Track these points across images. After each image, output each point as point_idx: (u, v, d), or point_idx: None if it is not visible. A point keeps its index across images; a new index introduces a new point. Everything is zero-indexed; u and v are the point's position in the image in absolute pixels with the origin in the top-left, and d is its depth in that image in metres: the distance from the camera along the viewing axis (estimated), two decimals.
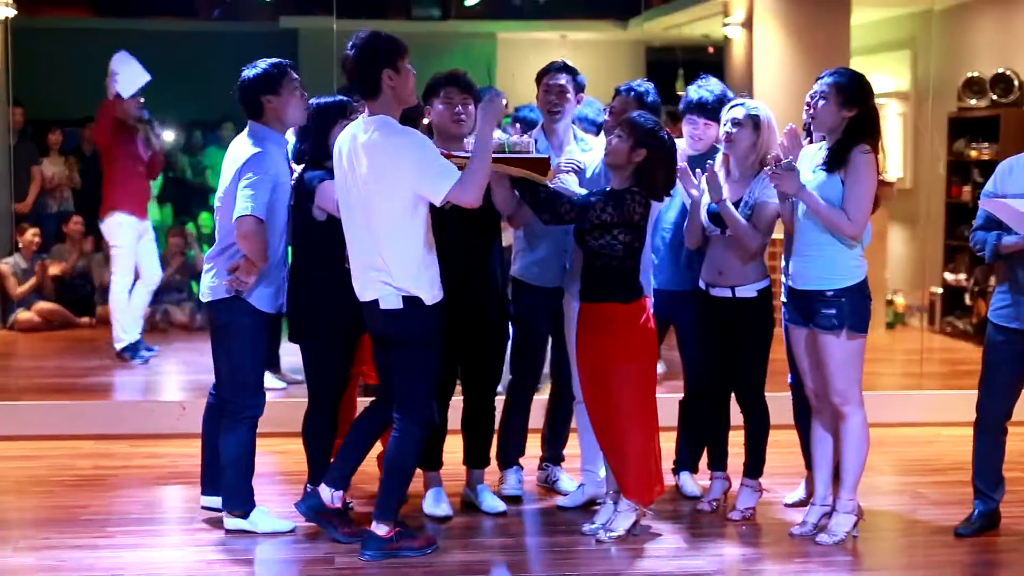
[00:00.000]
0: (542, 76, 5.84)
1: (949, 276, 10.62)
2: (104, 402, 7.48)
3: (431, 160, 4.84)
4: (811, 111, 5.23)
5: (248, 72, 5.23)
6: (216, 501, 5.46)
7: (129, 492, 6.00)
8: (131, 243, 8.83)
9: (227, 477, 5.31)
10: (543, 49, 13.99)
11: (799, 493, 5.86)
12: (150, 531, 5.43)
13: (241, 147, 5.20)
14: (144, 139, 8.84)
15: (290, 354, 6.56)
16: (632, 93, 5.73)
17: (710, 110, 5.72)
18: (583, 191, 5.37)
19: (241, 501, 5.32)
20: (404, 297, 4.90)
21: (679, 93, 12.93)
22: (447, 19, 14.25)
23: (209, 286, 5.24)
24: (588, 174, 5.65)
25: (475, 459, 5.73)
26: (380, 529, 5.02)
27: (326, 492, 5.14)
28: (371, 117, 4.94)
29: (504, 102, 5.04)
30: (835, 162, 5.12)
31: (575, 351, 5.42)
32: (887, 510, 5.85)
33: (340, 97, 5.49)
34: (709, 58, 13.61)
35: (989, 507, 5.45)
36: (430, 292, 4.96)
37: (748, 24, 10.66)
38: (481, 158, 4.86)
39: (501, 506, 5.66)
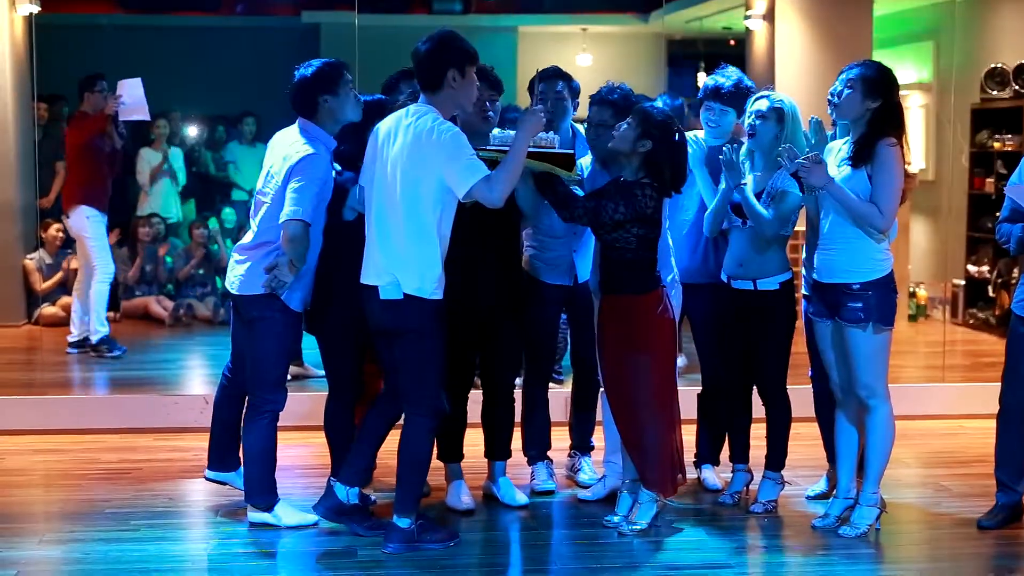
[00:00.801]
0: (535, 84, 5.84)
1: (972, 268, 10.57)
2: (128, 396, 7.52)
3: (464, 153, 4.88)
4: (836, 100, 5.22)
5: (304, 71, 5.25)
6: (221, 476, 5.58)
7: (154, 485, 6.03)
8: (102, 235, 8.91)
9: (249, 471, 5.35)
10: (564, 42, 14.01)
11: (821, 486, 5.86)
12: (175, 524, 5.47)
13: (293, 144, 5.19)
14: (108, 136, 8.88)
15: (311, 346, 6.57)
16: (604, 103, 5.58)
17: (725, 96, 5.72)
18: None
19: (265, 494, 5.35)
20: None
21: (700, 86, 12.96)
22: (468, 13, 14.26)
23: (240, 278, 5.25)
24: (585, 173, 5.66)
25: (496, 451, 5.74)
26: (402, 522, 5.04)
27: (341, 490, 5.16)
28: (424, 104, 4.98)
29: (544, 117, 5.10)
30: (860, 156, 5.12)
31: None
32: (910, 502, 5.85)
33: (379, 96, 5.52)
34: (731, 51, 13.58)
35: (1012, 499, 5.44)
36: (430, 289, 4.94)
37: (770, 16, 10.63)
38: (513, 162, 4.90)
39: (523, 499, 5.67)
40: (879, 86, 5.14)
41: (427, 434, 5.05)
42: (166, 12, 14.16)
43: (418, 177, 4.88)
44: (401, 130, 4.95)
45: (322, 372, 5.64)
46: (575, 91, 5.92)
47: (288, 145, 5.21)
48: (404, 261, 4.91)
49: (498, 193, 4.87)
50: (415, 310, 4.92)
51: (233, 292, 5.31)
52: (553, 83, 5.84)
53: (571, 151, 5.32)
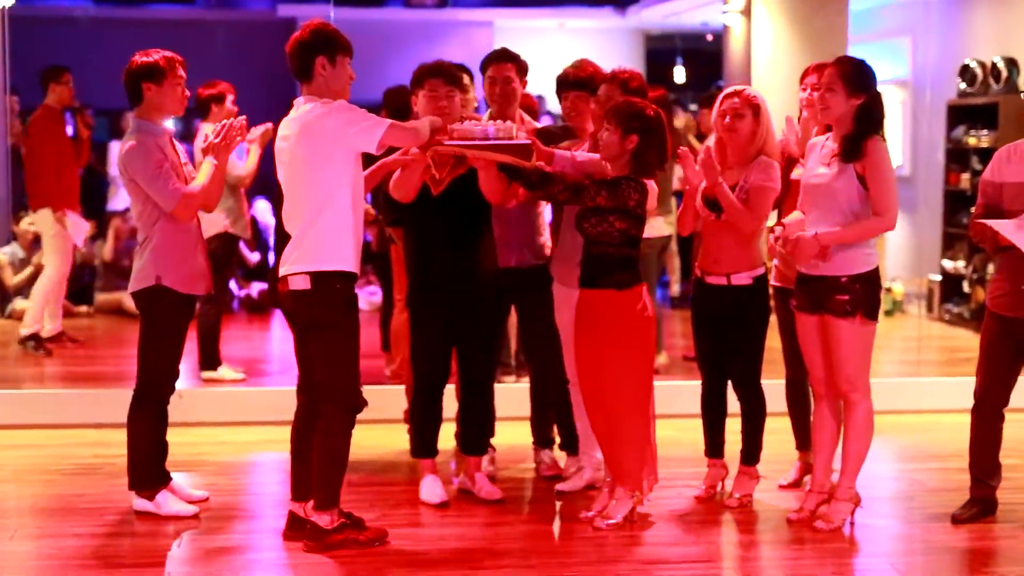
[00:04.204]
0: (486, 67, 5.84)
1: (947, 263, 10.61)
2: (102, 390, 7.48)
3: (360, 115, 4.89)
4: (820, 105, 5.19)
5: (137, 58, 5.36)
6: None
7: (127, 480, 5.99)
8: (66, 233, 8.82)
9: (134, 460, 5.42)
10: (541, 37, 14.00)
11: (792, 474, 5.92)
12: (147, 519, 5.42)
13: (121, 144, 5.39)
14: (74, 127, 8.82)
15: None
16: (615, 80, 5.69)
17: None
18: None
19: (150, 482, 5.42)
20: (312, 277, 4.87)
21: (677, 81, 12.98)
22: (444, 7, 14.25)
23: (135, 278, 5.38)
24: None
25: (472, 447, 5.73)
26: (321, 520, 4.98)
27: (299, 509, 5.10)
28: (304, 97, 4.98)
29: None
30: (849, 153, 5.11)
31: (571, 336, 5.43)
32: (885, 496, 5.87)
33: None
34: (708, 46, 13.60)
35: (986, 494, 5.46)
36: (347, 264, 4.91)
37: (747, 11, 10.64)
38: (418, 126, 5.00)
39: (498, 494, 5.66)
40: (860, 82, 5.14)
41: (343, 430, 4.99)
42: (140, 4, 14.12)
43: (317, 157, 4.84)
44: (290, 123, 4.95)
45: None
46: (524, 70, 5.89)
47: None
48: (316, 245, 4.87)
49: (410, 137, 4.96)
50: (325, 298, 4.89)
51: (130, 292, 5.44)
52: (502, 65, 5.82)
53: (526, 141, 5.27)
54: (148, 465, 5.43)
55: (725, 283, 5.50)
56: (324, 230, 4.87)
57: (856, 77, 5.13)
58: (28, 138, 8.92)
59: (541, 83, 7.29)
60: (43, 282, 8.83)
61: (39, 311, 8.78)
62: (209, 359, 7.90)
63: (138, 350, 5.46)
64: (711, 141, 5.60)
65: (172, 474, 5.56)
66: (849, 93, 5.11)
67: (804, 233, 5.12)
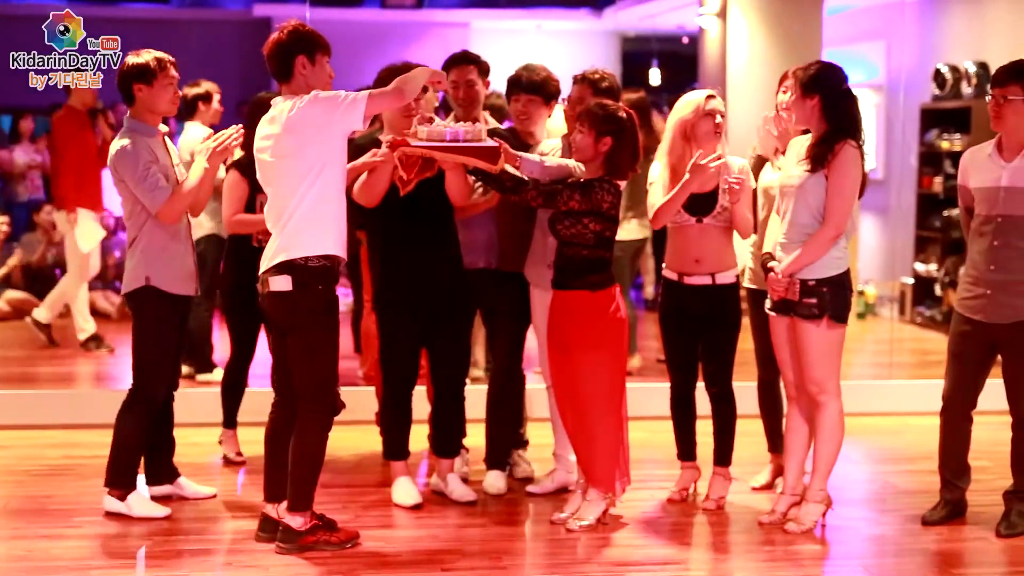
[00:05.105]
0: (448, 70, 5.77)
1: (920, 266, 10.67)
2: (73, 391, 7.46)
3: (338, 97, 4.85)
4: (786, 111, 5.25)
5: (124, 59, 5.37)
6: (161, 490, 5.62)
7: (97, 482, 5.92)
8: (95, 236, 8.83)
9: (116, 456, 5.42)
10: (517, 38, 14.00)
11: (764, 476, 5.93)
12: (118, 521, 5.40)
13: (113, 143, 5.39)
14: (98, 128, 8.81)
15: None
16: (585, 80, 5.68)
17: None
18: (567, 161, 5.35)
19: (125, 482, 5.42)
20: (294, 278, 4.84)
21: (652, 84, 13.01)
22: (421, 8, 14.23)
23: (126, 279, 5.39)
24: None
25: (445, 449, 5.72)
26: (294, 521, 4.96)
27: (271, 511, 5.09)
28: (284, 97, 4.95)
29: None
30: (817, 158, 5.12)
31: (544, 337, 5.43)
32: (856, 498, 5.89)
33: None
34: (683, 48, 13.63)
35: (956, 495, 5.48)
36: (331, 247, 4.89)
37: (722, 14, 10.68)
38: (406, 81, 4.90)
39: (471, 495, 5.66)
40: (812, 81, 5.15)
41: (321, 431, 4.98)
42: (115, 3, 14.06)
43: (301, 148, 4.82)
44: (271, 121, 4.93)
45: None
46: (485, 71, 5.85)
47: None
48: (301, 236, 4.85)
49: (389, 99, 4.89)
50: (306, 299, 4.88)
51: (123, 293, 5.45)
52: (465, 69, 5.78)
53: (495, 144, 5.20)
54: (129, 464, 5.41)
55: (710, 282, 5.49)
56: (307, 216, 4.85)
57: (807, 77, 5.15)
58: (52, 139, 8.99)
59: None
60: (67, 284, 8.83)
61: (84, 310, 8.80)
62: (203, 361, 7.89)
63: (132, 350, 5.47)
64: (666, 144, 5.53)
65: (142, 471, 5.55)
66: (803, 94, 5.14)
67: (774, 273, 5.20)
